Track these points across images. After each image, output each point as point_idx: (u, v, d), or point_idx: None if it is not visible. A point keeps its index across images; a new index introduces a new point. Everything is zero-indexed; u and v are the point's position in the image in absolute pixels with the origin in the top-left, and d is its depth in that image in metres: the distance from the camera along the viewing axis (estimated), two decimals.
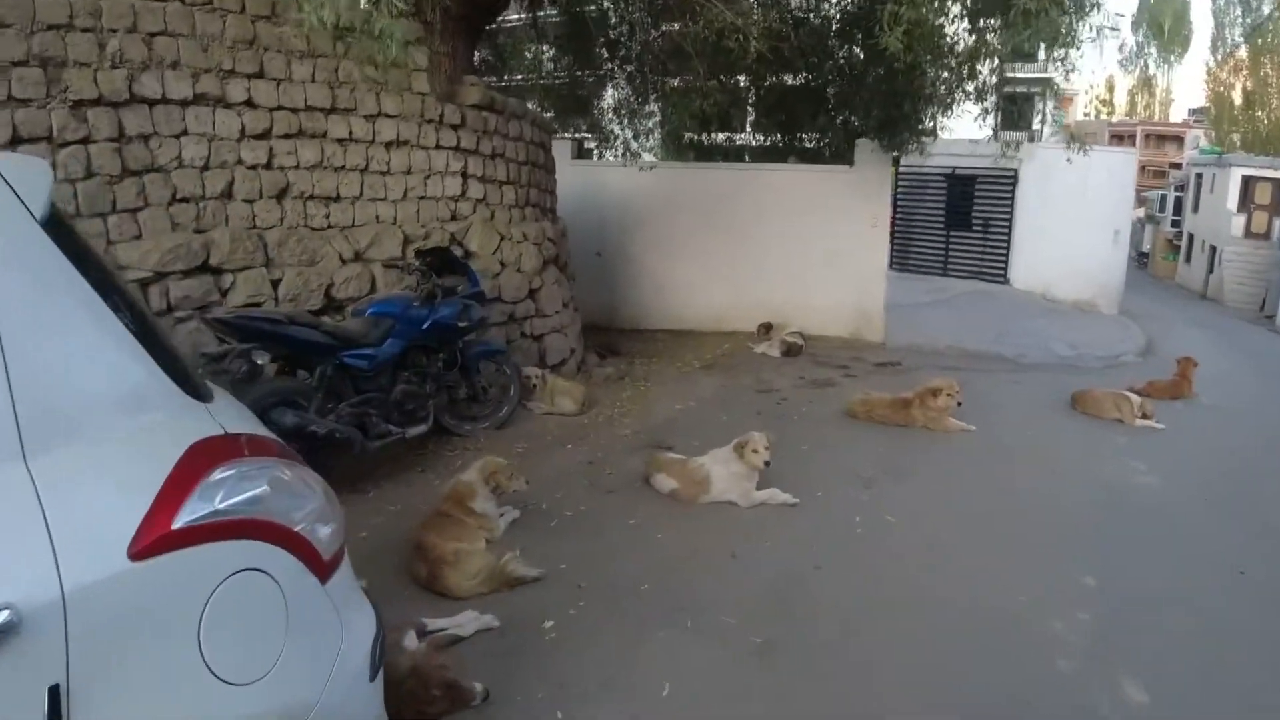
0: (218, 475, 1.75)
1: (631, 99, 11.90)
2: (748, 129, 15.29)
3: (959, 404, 7.34)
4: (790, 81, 12.39)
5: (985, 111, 11.24)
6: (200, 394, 1.92)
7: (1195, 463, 7.06)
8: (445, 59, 7.90)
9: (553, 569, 4.42)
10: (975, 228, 19.31)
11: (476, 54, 12.33)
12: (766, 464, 5.30)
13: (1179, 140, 47.21)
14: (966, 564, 4.74)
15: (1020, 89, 12.89)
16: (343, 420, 5.23)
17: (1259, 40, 36.86)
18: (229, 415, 1.98)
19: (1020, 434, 7.50)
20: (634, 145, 11.93)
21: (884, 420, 7.43)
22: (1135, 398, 8.19)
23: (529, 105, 9.60)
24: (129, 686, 1.58)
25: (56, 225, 1.75)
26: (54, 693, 1.44)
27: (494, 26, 11.06)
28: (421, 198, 6.90)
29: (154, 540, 1.61)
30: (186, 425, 1.80)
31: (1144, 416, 7.99)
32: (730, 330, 11.69)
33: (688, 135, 13.58)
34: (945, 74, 9.64)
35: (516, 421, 6.90)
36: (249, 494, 1.80)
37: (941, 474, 6.29)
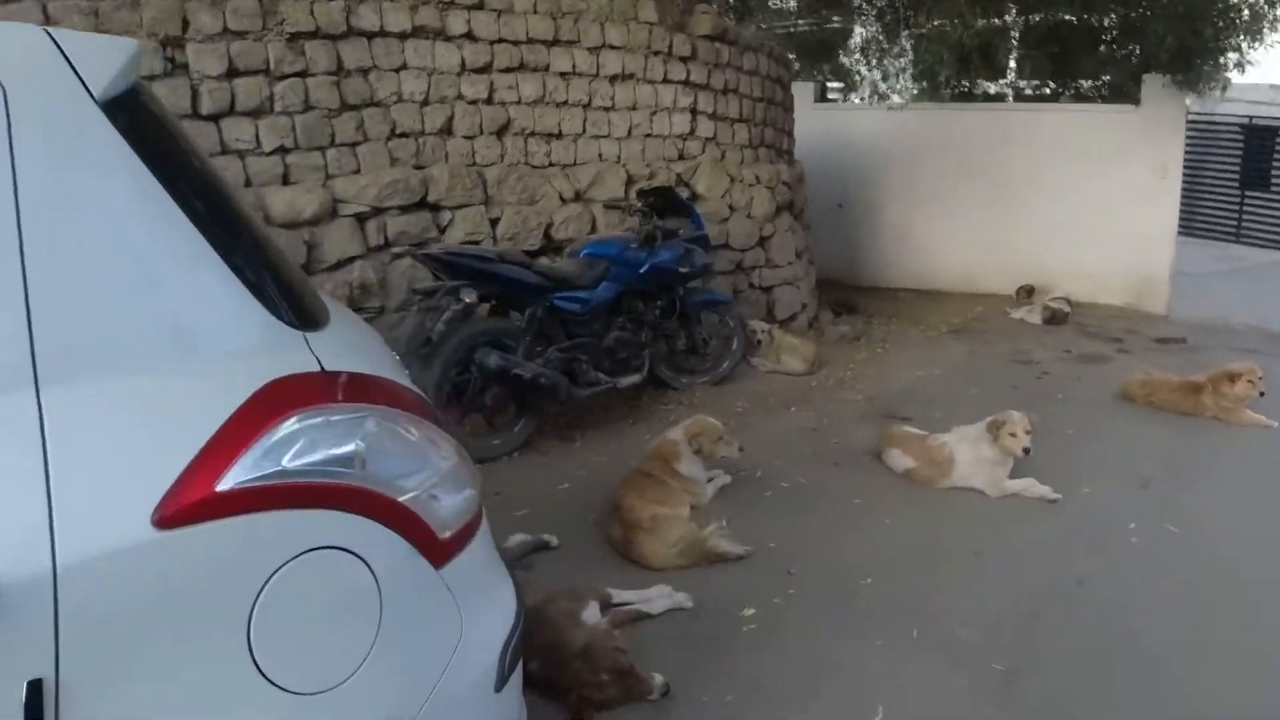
0: (292, 425, 1.37)
1: (881, 37, 10.90)
2: (1012, 66, 13.69)
3: (1260, 394, 5.99)
4: (1063, 11, 10.82)
5: None
6: (304, 319, 1.55)
7: None
8: None
9: (761, 547, 3.91)
10: (1276, 188, 16.39)
11: None
12: (1026, 451, 4.47)
13: None
14: (1270, 599, 3.70)
15: None
16: (550, 365, 4.99)
17: None
18: (340, 347, 1.60)
19: None
20: (882, 87, 10.97)
21: (1166, 406, 6.19)
22: None
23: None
24: (144, 688, 1.24)
25: (132, 109, 1.42)
26: (34, 689, 1.12)
27: None
28: (647, 135, 6.49)
29: (191, 504, 1.25)
30: (268, 359, 1.43)
31: None
32: (982, 292, 10.48)
33: (943, 74, 12.36)
34: None
35: (737, 378, 6.42)
36: (334, 451, 1.41)
37: (1235, 478, 5.07)
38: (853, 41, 12.21)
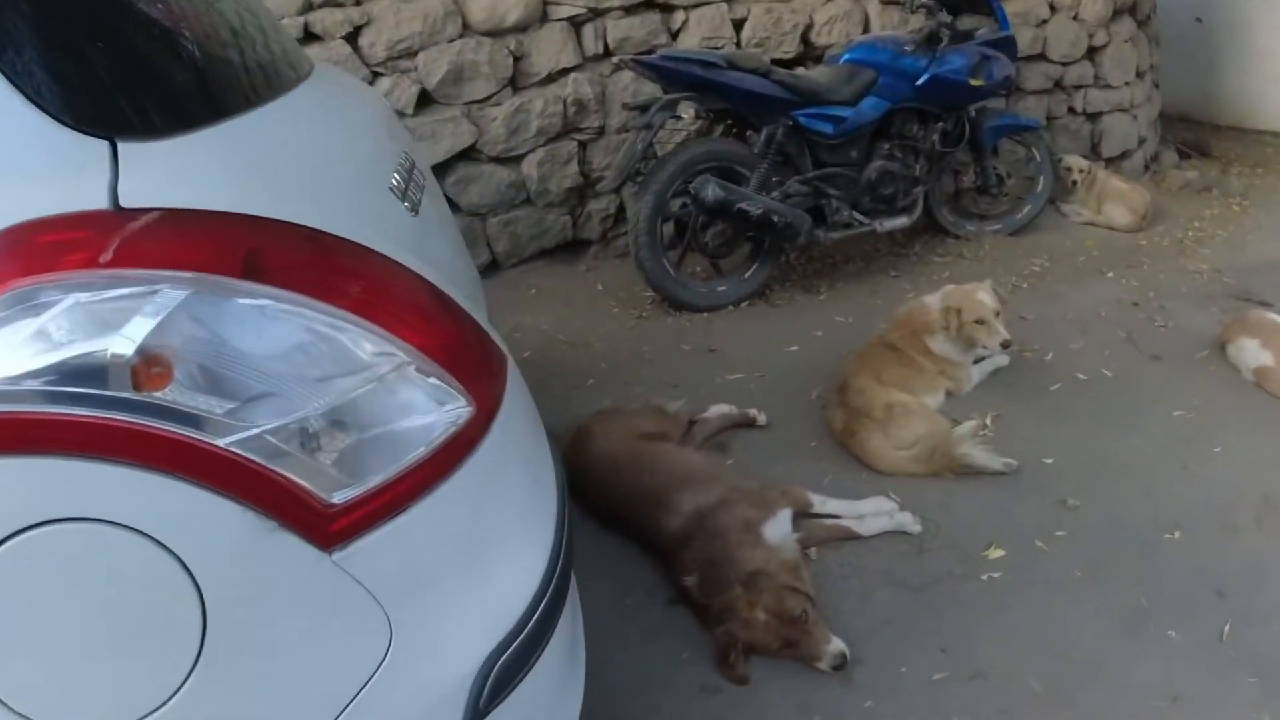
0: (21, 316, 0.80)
1: None
2: None
3: None
4: None
5: None
6: (140, 117, 0.95)
7: None
8: None
9: (1031, 463, 2.95)
10: None
11: None
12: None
13: None
14: None
15: None
16: (791, 200, 4.11)
17: None
18: (196, 169, 0.97)
19: None
20: None
21: None
22: None
23: None
24: None
25: None
26: None
27: None
28: None
29: None
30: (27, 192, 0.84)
31: None
32: None
33: None
34: None
35: (1040, 228, 5.15)
36: (88, 360, 0.82)
37: None
38: None
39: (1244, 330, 3.56)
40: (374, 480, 0.98)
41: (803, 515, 2.60)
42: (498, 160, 4.47)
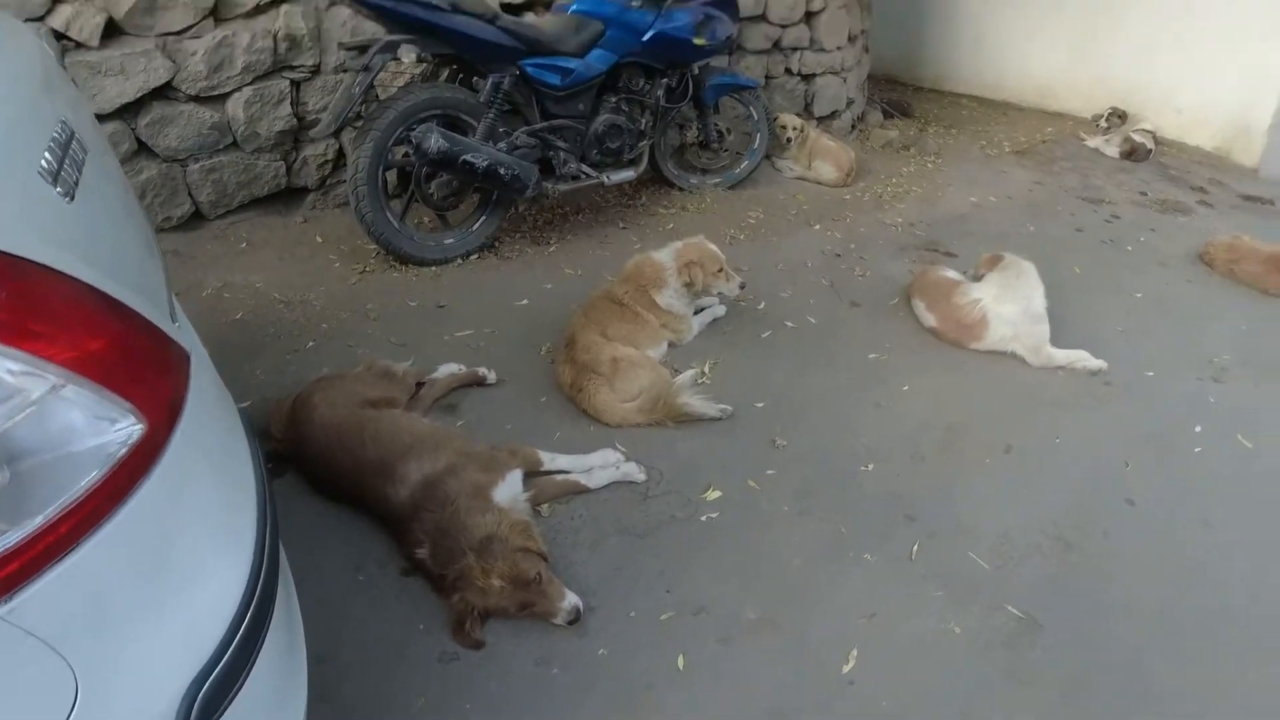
0: None
1: None
2: None
3: None
4: None
5: None
6: None
7: None
8: None
9: (745, 408, 3.16)
10: None
11: None
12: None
13: None
14: None
15: None
16: (518, 151, 4.02)
17: None
18: None
19: None
20: None
21: (1251, 281, 5.15)
22: None
23: None
24: None
25: None
26: None
27: None
28: None
29: None
30: None
31: None
32: (1058, 110, 9.12)
33: None
34: None
35: (757, 181, 5.44)
36: None
37: None
38: None
39: (916, 291, 4.01)
40: (37, 520, 0.86)
41: (533, 474, 2.62)
42: (198, 99, 4.01)
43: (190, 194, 4.12)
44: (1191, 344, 4.25)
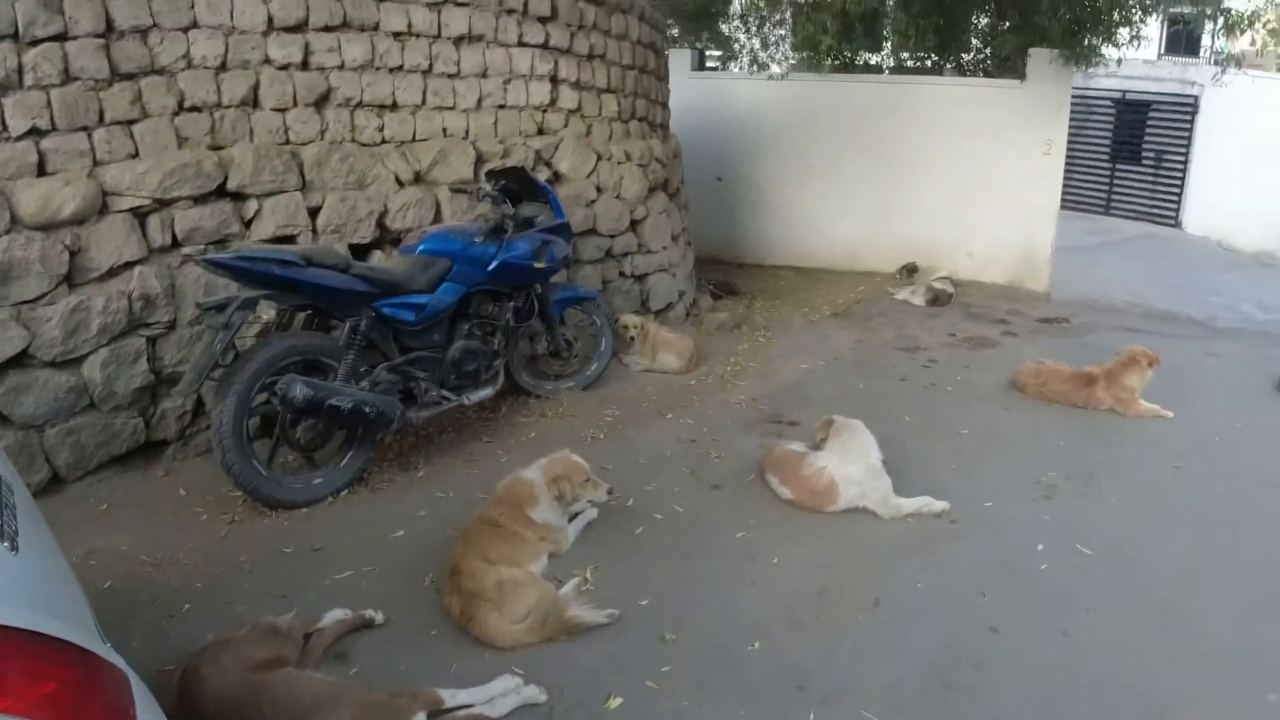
0: None
1: (761, 4, 10.33)
2: (894, 38, 13.34)
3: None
4: None
5: (1170, 22, 9.25)
6: None
7: None
8: None
9: (631, 607, 3.28)
10: (1145, 162, 16.71)
11: None
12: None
13: None
14: (1181, 632, 3.31)
15: (1194, 6, 10.80)
16: (380, 387, 4.18)
17: None
18: None
19: (1228, 426, 5.70)
20: (762, 56, 10.40)
21: (1060, 398, 5.88)
22: None
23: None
24: None
25: None
26: None
27: None
28: (500, 107, 5.70)
29: None
30: None
31: None
32: (866, 270, 10.13)
33: (826, 43, 11.95)
34: None
35: (609, 380, 5.74)
36: None
37: (1139, 481, 4.73)
38: (733, 8, 11.63)
39: (768, 468, 4.33)
40: None
41: (436, 714, 2.64)
42: (54, 365, 3.97)
43: (47, 459, 4.00)
44: (1020, 469, 4.74)
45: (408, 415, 4.28)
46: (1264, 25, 8.49)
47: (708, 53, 12.78)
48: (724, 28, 12.72)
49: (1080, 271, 10.67)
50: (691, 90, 10.77)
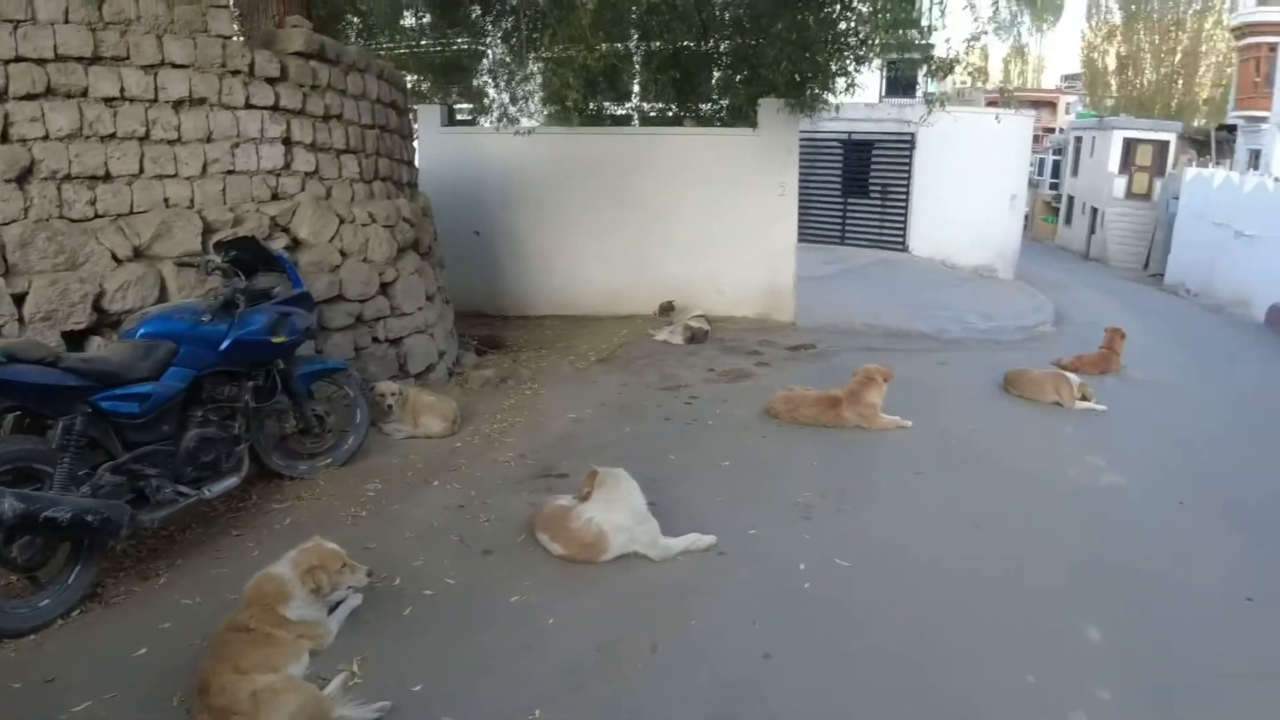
0: None
1: (509, 59, 10.49)
2: (638, 91, 13.99)
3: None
4: (685, 38, 11.13)
5: (888, 68, 10.41)
6: None
7: (1154, 454, 6.31)
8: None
9: (404, 696, 3.12)
10: (873, 195, 18.63)
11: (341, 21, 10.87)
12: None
13: (1052, 106, 48.05)
14: (942, 628, 3.67)
15: (904, 55, 12.41)
16: (104, 491, 3.74)
17: (1132, 7, 37.55)
18: None
19: (962, 428, 6.53)
20: (511, 110, 10.53)
21: (810, 421, 6.37)
22: (1074, 377, 7.52)
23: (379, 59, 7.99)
24: None
25: None
26: None
27: None
28: (229, 172, 5.36)
29: None
30: None
31: (1083, 398, 7.31)
32: (629, 314, 10.46)
33: (572, 98, 12.31)
34: (862, 21, 8.57)
35: (369, 452, 5.47)
36: None
37: (886, 490, 5.24)
38: (482, 64, 11.76)
39: (538, 527, 4.32)
40: None
41: None
42: None
43: None
44: (779, 493, 5.03)
45: (139, 518, 3.84)
46: (965, 69, 9.64)
47: (457, 108, 12.79)
48: (476, 82, 12.82)
49: (823, 299, 11.57)
50: (443, 145, 10.77)
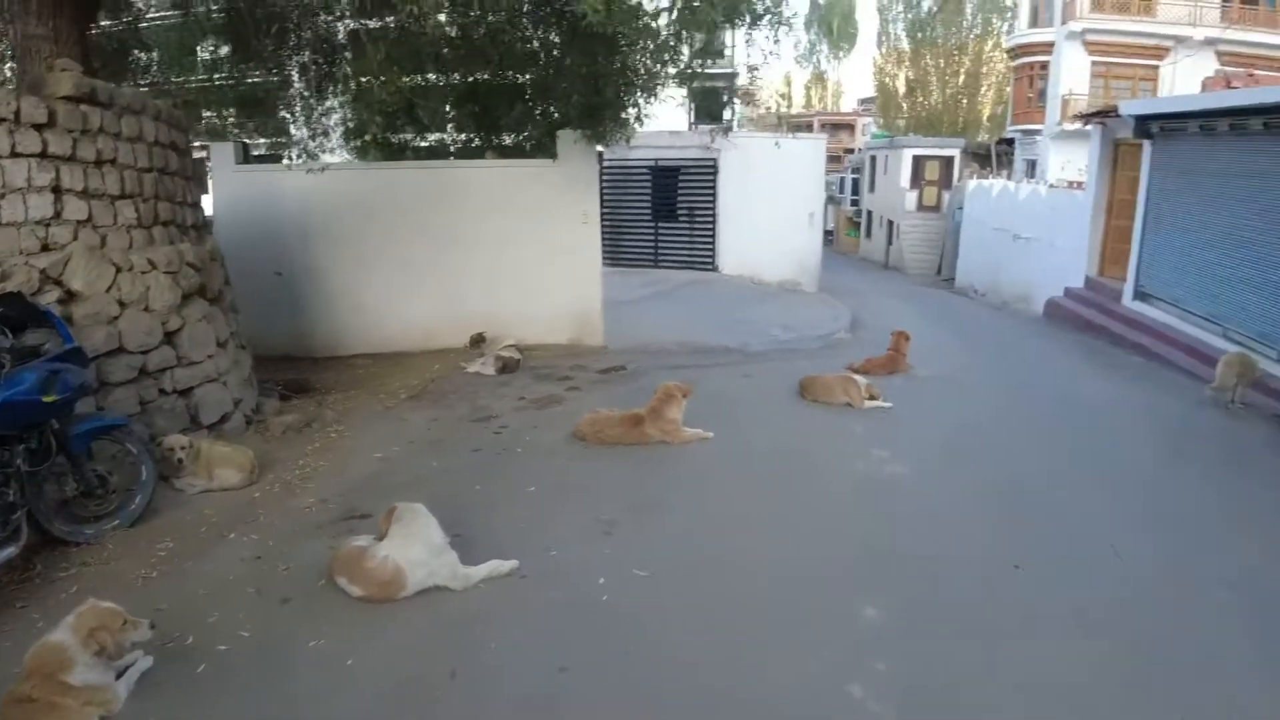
0: None
1: (306, 94, 10.32)
2: (439, 124, 14.03)
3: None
4: (482, 71, 11.30)
5: (688, 98, 10.97)
6: None
7: (931, 443, 6.98)
8: (43, 41, 6.17)
9: None
10: (681, 218, 19.45)
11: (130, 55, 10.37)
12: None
13: (850, 128, 51.51)
14: (732, 625, 4.00)
15: (710, 83, 13.22)
16: None
17: (919, 34, 40.86)
18: None
19: (761, 435, 7.02)
20: (312, 145, 10.35)
21: (616, 441, 6.64)
22: (861, 379, 8.17)
23: (159, 100, 7.72)
24: None
25: None
26: None
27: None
28: None
29: None
30: None
31: (871, 398, 7.98)
32: (442, 348, 10.44)
33: (373, 133, 12.23)
34: (648, 55, 9.04)
35: (161, 510, 5.26)
36: None
37: (687, 500, 5.57)
38: (284, 97, 11.48)
39: (335, 571, 4.34)
40: None
41: None
42: None
43: None
44: (583, 512, 5.25)
45: None
46: (771, 96, 10.34)
47: (258, 144, 12.42)
48: (274, 116, 12.50)
49: (634, 321, 11.98)
50: (239, 184, 10.46)
